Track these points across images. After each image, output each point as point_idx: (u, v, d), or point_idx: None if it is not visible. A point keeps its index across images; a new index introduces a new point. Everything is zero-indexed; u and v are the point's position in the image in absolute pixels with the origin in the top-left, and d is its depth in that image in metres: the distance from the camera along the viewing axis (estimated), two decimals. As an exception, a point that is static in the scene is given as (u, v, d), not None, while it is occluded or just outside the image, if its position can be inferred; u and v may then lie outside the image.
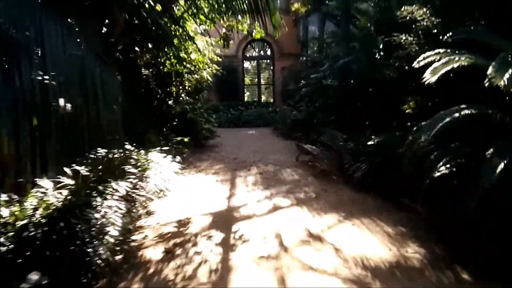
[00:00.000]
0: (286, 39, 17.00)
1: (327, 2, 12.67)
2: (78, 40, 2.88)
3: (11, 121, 2.85)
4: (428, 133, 3.34)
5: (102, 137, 3.04)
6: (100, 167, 4.05)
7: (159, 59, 7.40)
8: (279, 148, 10.66)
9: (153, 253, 3.75)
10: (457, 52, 3.77)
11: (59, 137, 2.40)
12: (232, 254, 3.72)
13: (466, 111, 3.38)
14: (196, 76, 9.11)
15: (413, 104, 5.43)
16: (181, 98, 9.09)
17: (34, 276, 2.34)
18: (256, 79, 20.11)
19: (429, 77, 3.62)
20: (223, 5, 6.76)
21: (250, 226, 4.52)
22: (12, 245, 2.64)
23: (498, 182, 2.89)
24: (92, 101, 2.68)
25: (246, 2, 5.52)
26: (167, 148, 6.57)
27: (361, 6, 8.65)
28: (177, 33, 6.83)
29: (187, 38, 6.95)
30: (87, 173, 3.73)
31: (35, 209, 3.01)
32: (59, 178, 3.32)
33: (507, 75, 3.07)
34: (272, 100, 19.71)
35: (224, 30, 8.24)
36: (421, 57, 4.02)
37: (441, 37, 4.54)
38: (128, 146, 5.01)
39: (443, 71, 3.53)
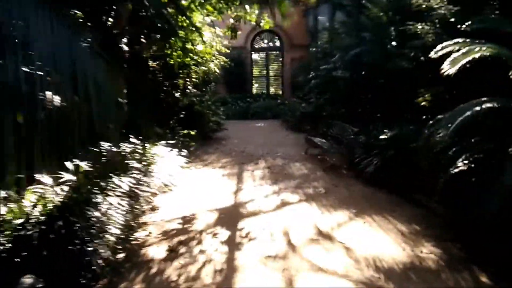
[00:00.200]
0: (295, 30, 16.65)
1: (337, -9, 12.35)
2: (69, 28, 2.71)
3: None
4: (449, 128, 3.13)
5: (96, 133, 2.88)
6: (103, 161, 3.95)
7: (166, 51, 7.25)
8: (288, 141, 10.47)
9: (156, 251, 3.64)
10: (477, 42, 3.56)
11: (46, 133, 2.24)
12: (238, 253, 3.59)
13: (488, 104, 3.19)
14: (203, 68, 8.94)
15: (428, 96, 5.20)
16: (188, 90, 8.94)
17: (28, 280, 2.22)
18: (265, 71, 19.79)
19: (448, 68, 3.43)
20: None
21: (257, 223, 4.38)
22: (9, 245, 2.54)
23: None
24: (83, 95, 2.52)
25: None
26: (173, 141, 6.47)
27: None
28: (184, 24, 6.66)
29: (194, 29, 6.78)
30: (90, 169, 3.63)
31: (34, 206, 2.91)
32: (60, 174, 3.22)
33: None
34: (281, 92, 19.41)
35: (231, 20, 8.05)
36: (439, 47, 3.83)
37: (459, 26, 4.31)
38: (133, 140, 4.91)
39: (463, 61, 3.32)
